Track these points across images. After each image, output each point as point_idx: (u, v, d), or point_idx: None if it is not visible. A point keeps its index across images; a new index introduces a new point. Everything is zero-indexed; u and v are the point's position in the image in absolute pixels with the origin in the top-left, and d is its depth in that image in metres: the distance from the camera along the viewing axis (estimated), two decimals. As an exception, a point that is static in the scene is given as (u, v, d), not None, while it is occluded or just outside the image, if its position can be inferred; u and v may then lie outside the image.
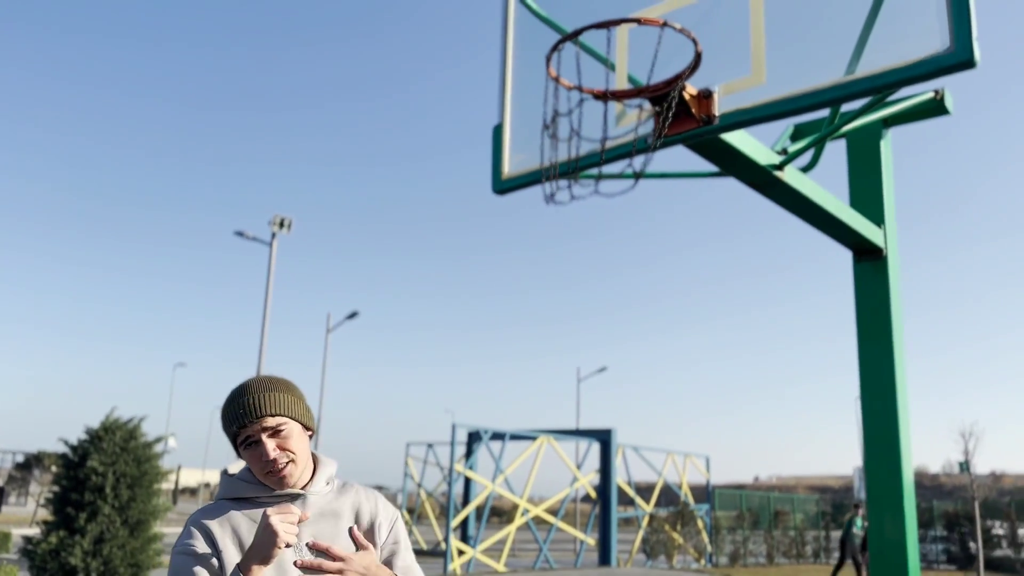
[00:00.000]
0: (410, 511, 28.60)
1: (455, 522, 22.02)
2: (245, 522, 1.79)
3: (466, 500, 24.32)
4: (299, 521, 1.71)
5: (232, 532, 1.76)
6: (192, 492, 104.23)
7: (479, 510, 23.80)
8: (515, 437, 23.96)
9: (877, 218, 4.27)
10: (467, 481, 24.46)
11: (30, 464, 57.05)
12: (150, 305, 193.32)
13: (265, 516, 1.65)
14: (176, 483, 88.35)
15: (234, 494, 1.81)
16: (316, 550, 1.78)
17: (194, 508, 72.14)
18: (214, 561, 1.72)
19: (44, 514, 48.49)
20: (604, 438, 25.18)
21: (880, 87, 2.60)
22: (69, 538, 13.28)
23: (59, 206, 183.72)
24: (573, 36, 2.59)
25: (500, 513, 58.87)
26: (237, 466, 1.94)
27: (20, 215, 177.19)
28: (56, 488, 14.17)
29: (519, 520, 23.27)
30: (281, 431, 1.78)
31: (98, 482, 13.62)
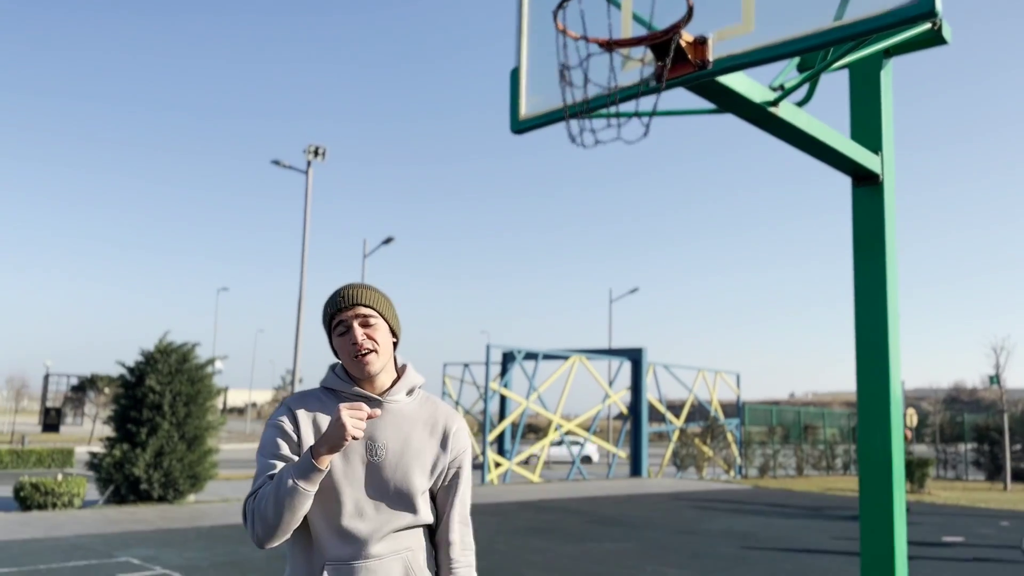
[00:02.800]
0: (448, 428, 29.54)
1: (491, 436, 22.91)
2: (326, 412, 2.00)
3: (501, 417, 25.20)
4: (368, 417, 1.84)
5: (314, 417, 1.99)
6: (240, 412, 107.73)
7: (514, 426, 24.66)
8: (548, 357, 24.63)
9: (875, 145, 4.54)
10: (502, 399, 25.29)
11: (84, 387, 59.58)
12: (194, 232, 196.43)
13: (336, 410, 1.81)
14: (224, 403, 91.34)
15: (327, 384, 2.05)
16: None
17: (241, 427, 75.01)
18: (294, 437, 1.96)
19: (101, 432, 50.94)
20: (635, 357, 25.75)
21: (853, 35, 2.87)
22: (132, 452, 14.28)
23: (101, 142, 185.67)
24: (576, -6, 2.90)
25: (535, 430, 60.39)
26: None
27: (63, 153, 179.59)
28: (116, 406, 15.14)
29: (552, 435, 24.14)
30: (371, 323, 1.99)
31: (156, 400, 14.54)
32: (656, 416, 28.29)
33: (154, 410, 14.57)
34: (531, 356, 24.42)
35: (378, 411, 1.88)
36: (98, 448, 16.05)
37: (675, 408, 30.50)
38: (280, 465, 1.92)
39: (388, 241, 29.11)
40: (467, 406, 28.82)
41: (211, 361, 15.56)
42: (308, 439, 1.96)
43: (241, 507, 1.89)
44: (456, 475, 2.07)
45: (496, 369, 24.87)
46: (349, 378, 2.04)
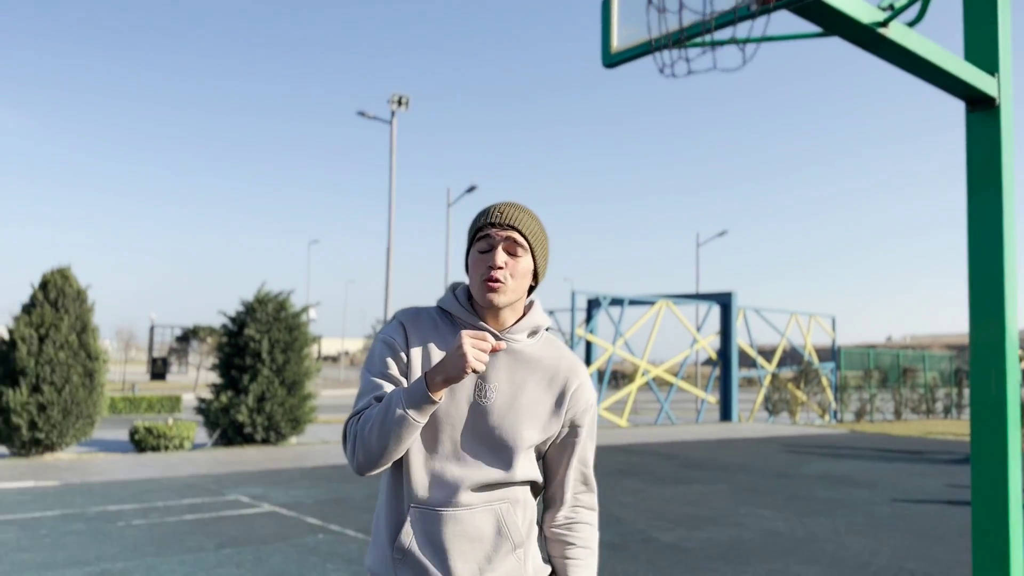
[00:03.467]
0: (535, 374, 29.86)
1: (578, 382, 23.02)
2: (439, 336, 1.80)
3: (587, 363, 25.25)
4: (492, 351, 1.65)
5: (424, 340, 1.79)
6: (333, 359, 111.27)
7: (600, 372, 24.70)
8: (634, 302, 24.46)
9: (991, 67, 4.23)
10: (588, 345, 25.32)
11: (187, 337, 62.58)
12: (285, 185, 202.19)
13: (460, 337, 1.61)
14: (318, 351, 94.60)
15: (445, 305, 1.85)
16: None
17: (336, 374, 77.64)
18: (404, 358, 1.78)
19: (204, 380, 53.53)
20: (724, 301, 25.30)
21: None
22: (236, 397, 14.96)
23: (194, 98, 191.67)
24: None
25: (621, 376, 60.41)
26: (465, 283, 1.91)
27: (165, 107, 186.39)
28: (220, 354, 15.85)
29: (640, 380, 24.09)
30: (518, 254, 1.76)
31: (256, 348, 15.13)
32: (746, 361, 27.86)
33: (254, 357, 15.19)
34: (617, 302, 24.29)
35: (503, 344, 1.67)
36: (205, 394, 16.85)
37: (766, 353, 29.93)
38: (386, 386, 1.75)
39: (471, 190, 29.21)
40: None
41: (305, 309, 16.07)
42: (416, 362, 1.78)
43: (342, 428, 1.75)
44: (573, 432, 1.84)
45: (581, 316, 24.88)
46: (470, 305, 1.83)
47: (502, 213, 1.77)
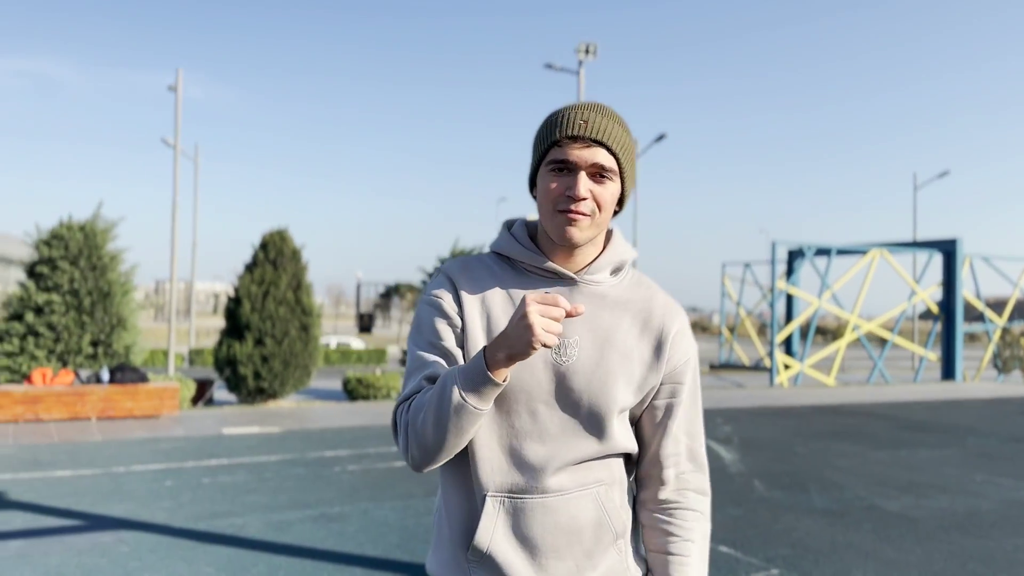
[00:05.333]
0: (730, 330, 28.92)
1: (779, 337, 21.89)
2: (497, 284, 1.47)
3: (788, 317, 23.95)
4: (568, 315, 1.27)
5: (482, 296, 1.45)
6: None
7: (803, 327, 23.40)
8: (842, 252, 22.82)
9: None
10: (789, 298, 23.99)
11: (390, 294, 66.29)
12: (476, 145, 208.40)
13: (523, 304, 1.24)
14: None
15: (500, 248, 1.50)
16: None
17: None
18: (458, 320, 1.44)
19: (407, 333, 56.58)
20: (948, 249, 23.02)
21: None
22: (436, 351, 15.56)
23: (381, 69, 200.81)
24: None
25: (824, 332, 57.24)
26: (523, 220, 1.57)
27: (359, 80, 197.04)
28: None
29: (850, 336, 22.54)
30: (605, 179, 1.40)
31: (453, 303, 15.65)
32: (972, 314, 25.36)
33: (452, 312, 15.71)
34: (823, 252, 22.77)
35: (581, 308, 1.27)
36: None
37: (996, 305, 27.08)
38: (438, 361, 1.42)
39: (660, 139, 28.34)
40: (749, 307, 27.79)
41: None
42: (474, 325, 1.43)
43: (392, 416, 1.45)
44: (673, 392, 1.48)
45: (781, 268, 23.57)
46: (534, 244, 1.47)
47: (586, 122, 1.37)
